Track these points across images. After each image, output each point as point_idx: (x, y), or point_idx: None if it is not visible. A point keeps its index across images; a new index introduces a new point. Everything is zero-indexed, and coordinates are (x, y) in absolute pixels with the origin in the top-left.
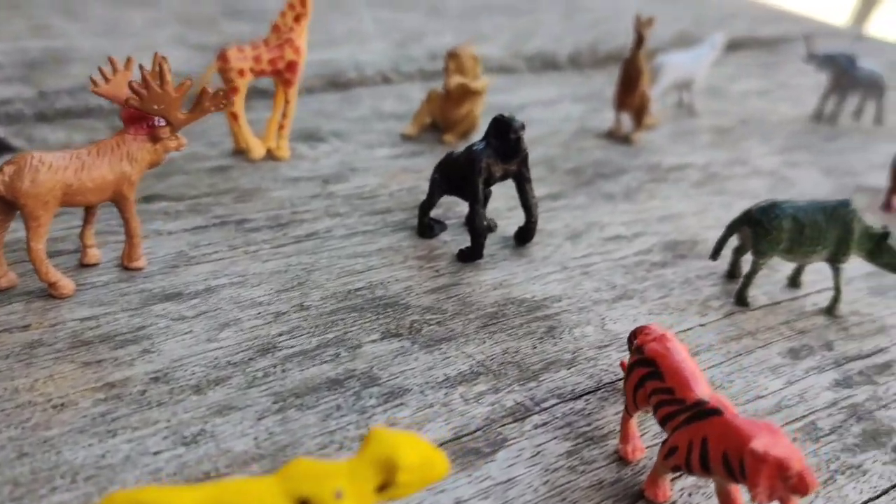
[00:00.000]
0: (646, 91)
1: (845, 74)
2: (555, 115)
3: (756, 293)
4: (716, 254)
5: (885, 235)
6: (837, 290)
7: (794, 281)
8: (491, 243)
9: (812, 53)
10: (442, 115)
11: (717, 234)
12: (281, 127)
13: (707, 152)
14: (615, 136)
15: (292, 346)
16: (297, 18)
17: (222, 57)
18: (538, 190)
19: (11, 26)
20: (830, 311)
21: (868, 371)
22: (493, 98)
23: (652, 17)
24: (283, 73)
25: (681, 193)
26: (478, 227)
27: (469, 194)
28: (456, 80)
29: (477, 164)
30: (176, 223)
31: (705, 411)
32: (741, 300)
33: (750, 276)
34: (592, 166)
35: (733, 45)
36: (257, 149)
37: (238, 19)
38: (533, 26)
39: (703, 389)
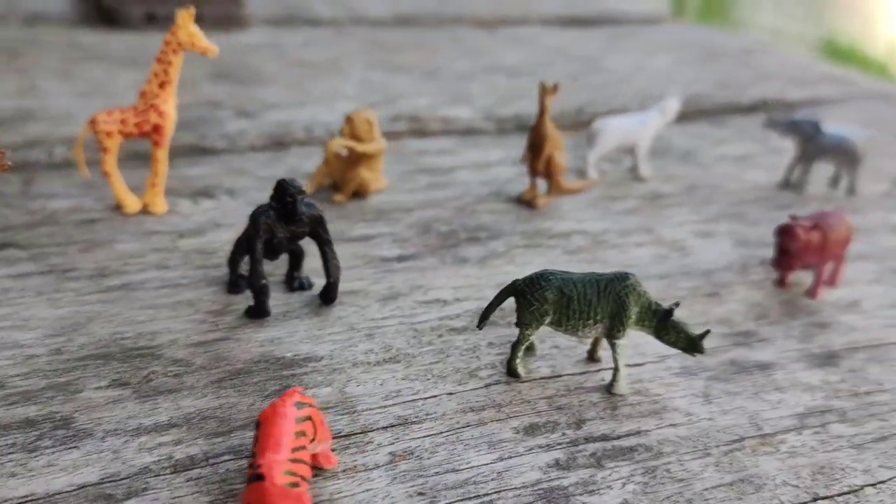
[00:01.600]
0: (554, 156)
1: (810, 141)
2: (479, 177)
3: (541, 364)
4: (481, 322)
5: (668, 313)
6: (616, 367)
7: (591, 355)
8: (298, 300)
9: (773, 119)
10: (340, 176)
11: None
12: (153, 184)
13: (616, 219)
14: (524, 201)
15: (18, 387)
16: (162, 85)
17: (92, 121)
18: (392, 250)
19: (2, 85)
20: (609, 388)
21: (603, 454)
22: (432, 160)
23: (557, 84)
24: (150, 135)
25: (545, 260)
26: (254, 285)
27: (250, 253)
28: (338, 142)
29: (255, 225)
30: (5, 270)
31: (254, 476)
32: (510, 371)
33: (515, 347)
34: (471, 230)
35: (751, 108)
36: (131, 204)
37: (221, 82)
38: (530, 87)
39: (272, 455)
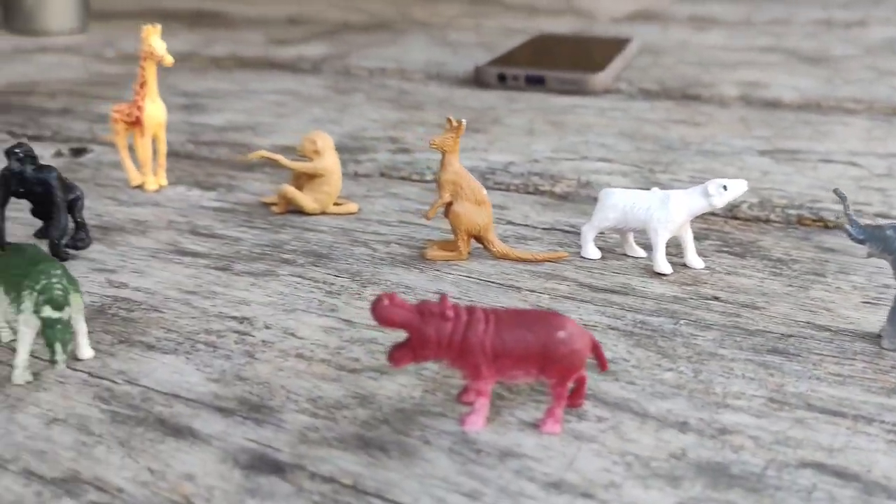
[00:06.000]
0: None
1: None
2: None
3: None
4: None
5: None
6: None
7: None
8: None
9: (854, 221)
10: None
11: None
12: (142, 165)
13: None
14: None
15: None
16: (141, 86)
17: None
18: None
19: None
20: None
21: None
22: None
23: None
24: (135, 126)
25: None
26: None
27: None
28: (257, 154)
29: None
30: None
31: None
32: None
33: None
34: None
35: None
36: (135, 179)
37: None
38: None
39: None
